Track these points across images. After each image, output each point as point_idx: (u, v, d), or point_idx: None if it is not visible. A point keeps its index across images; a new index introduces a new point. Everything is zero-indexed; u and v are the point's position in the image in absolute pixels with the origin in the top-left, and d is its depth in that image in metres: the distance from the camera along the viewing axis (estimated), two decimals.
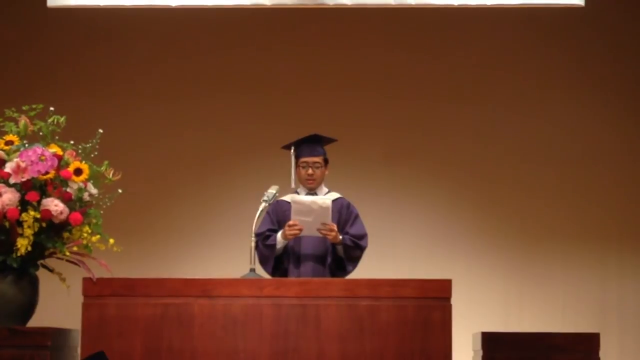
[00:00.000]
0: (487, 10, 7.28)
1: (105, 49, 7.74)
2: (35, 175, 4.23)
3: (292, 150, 5.44)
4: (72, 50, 7.73)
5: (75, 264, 4.35)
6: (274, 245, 5.33)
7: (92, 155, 4.44)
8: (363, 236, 5.40)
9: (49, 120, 4.44)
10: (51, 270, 4.39)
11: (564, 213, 7.60)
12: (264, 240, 5.33)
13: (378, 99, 7.69)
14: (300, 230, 5.21)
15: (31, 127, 4.44)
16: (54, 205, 4.21)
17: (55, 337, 4.17)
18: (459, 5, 7.07)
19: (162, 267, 7.24)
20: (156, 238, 7.55)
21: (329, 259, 5.39)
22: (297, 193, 5.50)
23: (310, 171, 5.45)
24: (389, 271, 6.90)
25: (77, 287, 4.32)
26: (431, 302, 4.29)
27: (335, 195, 5.52)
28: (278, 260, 5.40)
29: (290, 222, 5.22)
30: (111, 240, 4.35)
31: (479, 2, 7.06)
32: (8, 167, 4.24)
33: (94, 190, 4.41)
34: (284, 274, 5.39)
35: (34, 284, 4.32)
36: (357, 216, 5.48)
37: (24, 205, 4.20)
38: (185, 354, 4.24)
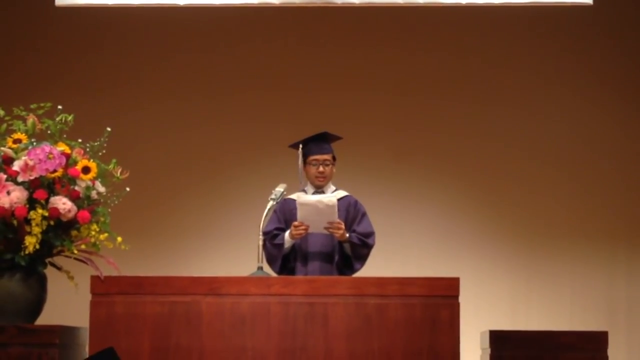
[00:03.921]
0: (495, 9, 7.28)
1: (113, 48, 7.75)
2: (43, 174, 4.24)
3: (300, 149, 5.44)
4: (80, 48, 7.74)
5: (83, 262, 4.35)
6: (281, 245, 5.34)
7: (100, 154, 4.44)
8: (370, 234, 5.39)
9: (57, 119, 4.45)
10: (59, 268, 4.40)
11: (572, 211, 7.59)
12: (271, 239, 5.33)
13: (386, 97, 7.69)
14: (306, 229, 5.21)
15: (39, 126, 4.45)
16: (62, 204, 4.22)
17: (63, 335, 4.18)
18: (466, 3, 7.06)
19: (170, 265, 7.25)
20: (164, 236, 7.56)
21: (337, 257, 5.38)
22: (305, 191, 5.50)
23: (321, 169, 5.44)
24: (397, 269, 6.88)
25: (85, 285, 4.33)
26: (439, 300, 4.29)
27: (342, 193, 5.52)
28: (285, 259, 5.40)
29: (296, 223, 5.22)
30: (119, 239, 4.36)
31: (487, 1, 7.05)
32: (16, 166, 4.25)
33: (101, 189, 4.42)
34: (291, 272, 5.39)
35: (42, 282, 4.33)
36: (364, 214, 5.47)
37: (32, 203, 4.21)
38: (192, 352, 4.24)
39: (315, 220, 5.18)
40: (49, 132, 4.43)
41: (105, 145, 4.46)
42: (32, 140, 4.39)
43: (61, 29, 7.70)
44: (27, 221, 4.19)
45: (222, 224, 7.62)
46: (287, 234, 5.33)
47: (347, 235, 5.29)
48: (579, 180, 7.62)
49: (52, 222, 4.21)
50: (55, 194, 4.26)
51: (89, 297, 4.32)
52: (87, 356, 4.22)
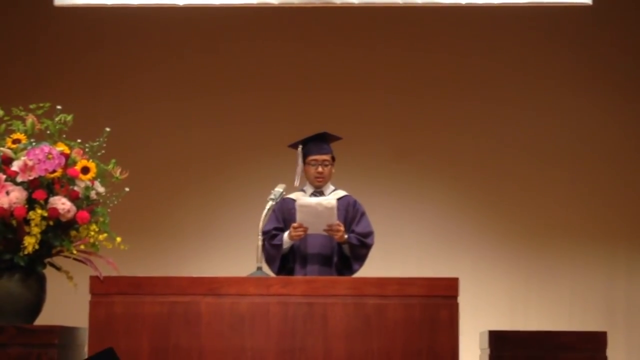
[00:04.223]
0: (495, 9, 7.29)
1: (112, 48, 7.75)
2: (42, 174, 4.24)
3: (299, 149, 5.44)
4: (79, 48, 7.74)
5: (83, 262, 4.35)
6: (280, 245, 5.33)
7: (99, 154, 4.44)
8: (369, 234, 5.39)
9: (56, 119, 4.45)
10: (58, 269, 4.39)
11: (572, 211, 7.59)
12: (270, 239, 5.33)
13: (385, 97, 7.69)
14: (305, 231, 5.21)
15: (38, 126, 4.45)
16: (61, 204, 4.21)
17: (63, 335, 4.18)
18: (466, 3, 7.06)
19: (169, 266, 7.25)
20: (163, 236, 7.56)
21: (336, 258, 5.38)
22: (304, 191, 5.50)
23: (320, 169, 5.44)
24: (396, 269, 6.89)
25: (84, 286, 4.32)
26: (438, 300, 4.29)
27: (341, 193, 5.51)
28: (284, 260, 5.40)
29: (295, 224, 5.21)
30: (118, 239, 4.35)
31: (486, 1, 7.05)
32: (15, 166, 4.24)
33: (101, 189, 4.41)
34: (290, 273, 5.38)
35: (41, 282, 4.33)
36: (363, 214, 5.46)
37: (31, 203, 4.21)
38: (192, 353, 4.24)
39: (314, 222, 5.18)
40: (48, 132, 4.43)
41: (104, 145, 4.45)
42: (31, 140, 4.38)
43: (60, 28, 7.71)
44: (26, 221, 4.19)
45: (222, 224, 7.62)
46: (285, 235, 5.33)
47: (346, 236, 5.29)
48: (579, 180, 7.62)
49: (51, 223, 4.21)
50: (55, 194, 4.26)
51: (88, 297, 4.32)
52: (86, 356, 4.22)
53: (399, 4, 7.11)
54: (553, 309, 7.48)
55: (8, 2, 7.76)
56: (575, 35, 7.71)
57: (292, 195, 5.43)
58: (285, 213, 5.42)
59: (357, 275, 5.32)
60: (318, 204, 5.18)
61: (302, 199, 5.29)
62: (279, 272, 5.37)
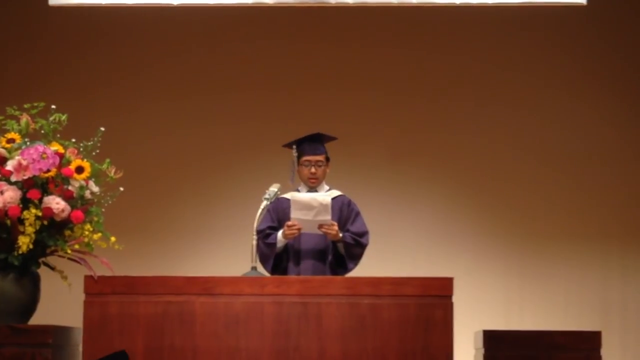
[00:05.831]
0: (490, 9, 7.28)
1: (107, 48, 7.75)
2: (36, 173, 4.23)
3: (294, 149, 5.44)
4: (74, 48, 7.74)
5: (77, 262, 4.34)
6: (274, 244, 5.33)
7: (94, 153, 4.43)
8: (364, 234, 5.39)
9: (51, 118, 4.44)
10: (52, 268, 4.38)
11: (567, 211, 7.60)
12: (264, 238, 5.33)
13: (381, 97, 7.69)
14: (299, 229, 5.21)
15: (33, 125, 4.44)
16: (56, 203, 4.20)
17: (57, 335, 4.17)
18: (460, 3, 7.06)
19: (164, 265, 7.25)
20: (158, 236, 7.56)
21: (330, 257, 5.38)
22: (298, 191, 5.50)
23: (313, 170, 5.44)
24: (391, 269, 6.89)
25: (78, 285, 4.32)
26: (433, 300, 4.28)
27: (335, 192, 5.52)
28: (278, 258, 5.40)
29: (289, 223, 5.22)
30: (112, 238, 4.35)
31: (481, 1, 7.04)
32: (9, 165, 4.23)
33: (95, 188, 4.41)
34: (284, 272, 5.39)
35: (35, 282, 4.32)
36: (358, 214, 5.47)
37: (25, 203, 4.20)
38: (186, 352, 4.24)
39: (308, 220, 5.18)
40: (42, 131, 4.42)
41: (98, 144, 4.45)
42: (26, 139, 4.38)
43: (55, 28, 7.70)
44: (21, 221, 4.18)
45: (216, 224, 7.61)
46: (279, 233, 5.33)
47: (341, 235, 5.29)
48: (573, 180, 7.63)
49: (45, 222, 4.20)
50: (49, 193, 4.25)
51: (82, 297, 4.31)
52: (81, 356, 4.21)
53: (393, 3, 7.10)
54: (548, 308, 7.49)
55: (2, 1, 7.74)
56: (570, 35, 7.72)
57: (287, 195, 5.43)
58: (279, 213, 5.42)
59: (352, 274, 5.32)
60: (312, 199, 5.19)
61: (297, 194, 5.30)
62: (272, 271, 5.38)
